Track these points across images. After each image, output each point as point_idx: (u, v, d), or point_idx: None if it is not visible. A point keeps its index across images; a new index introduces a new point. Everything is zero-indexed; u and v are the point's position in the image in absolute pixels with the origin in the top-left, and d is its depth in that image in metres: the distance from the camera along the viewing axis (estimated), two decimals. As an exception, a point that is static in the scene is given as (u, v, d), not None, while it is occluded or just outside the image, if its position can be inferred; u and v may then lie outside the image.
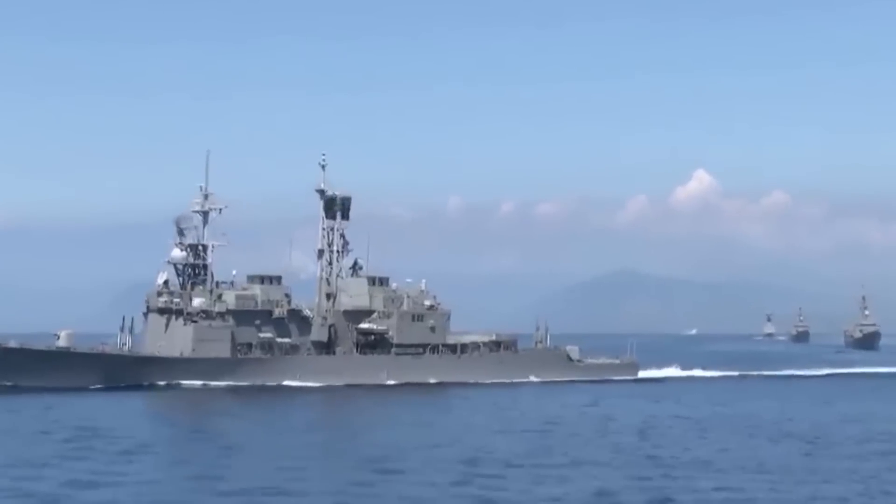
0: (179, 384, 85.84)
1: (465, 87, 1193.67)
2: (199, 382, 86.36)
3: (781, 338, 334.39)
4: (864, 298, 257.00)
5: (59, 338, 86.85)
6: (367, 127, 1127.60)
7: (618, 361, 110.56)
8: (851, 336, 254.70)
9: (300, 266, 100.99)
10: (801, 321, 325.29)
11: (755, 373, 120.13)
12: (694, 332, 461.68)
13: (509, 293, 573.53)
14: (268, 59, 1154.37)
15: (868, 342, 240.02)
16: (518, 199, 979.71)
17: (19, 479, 40.04)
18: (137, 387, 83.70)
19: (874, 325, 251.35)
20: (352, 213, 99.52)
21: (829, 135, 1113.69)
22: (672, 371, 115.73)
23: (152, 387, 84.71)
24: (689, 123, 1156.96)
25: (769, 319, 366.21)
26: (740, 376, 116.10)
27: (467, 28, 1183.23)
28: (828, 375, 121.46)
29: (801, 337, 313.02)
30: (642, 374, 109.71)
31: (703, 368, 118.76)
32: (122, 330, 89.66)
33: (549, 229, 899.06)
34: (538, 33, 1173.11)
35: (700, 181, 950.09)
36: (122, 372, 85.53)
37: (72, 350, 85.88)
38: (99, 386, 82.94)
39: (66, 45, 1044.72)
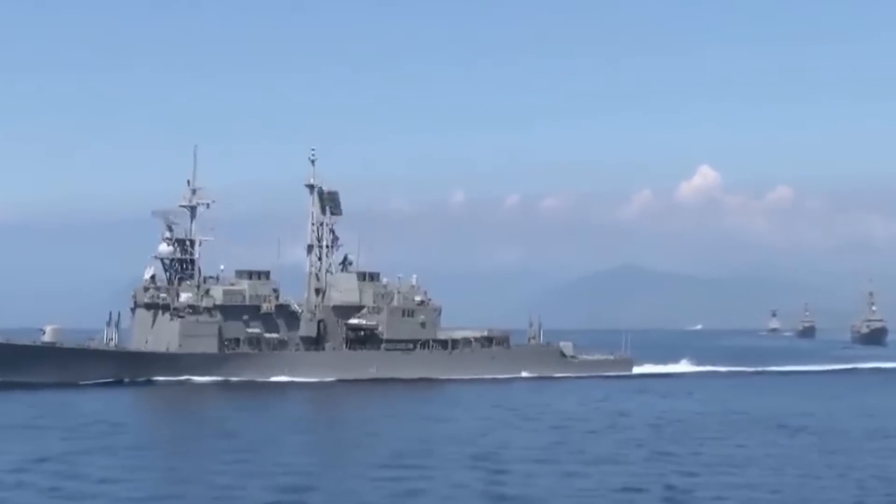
0: (167, 380, 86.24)
1: (469, 80, 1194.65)
2: (185, 378, 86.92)
3: (787, 333, 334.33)
4: (871, 294, 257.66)
5: (44, 333, 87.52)
6: (370, 121, 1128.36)
7: (612, 357, 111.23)
8: (858, 331, 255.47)
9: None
10: (807, 316, 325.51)
11: (764, 368, 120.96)
12: (699, 327, 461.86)
13: (512, 288, 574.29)
14: (268, 52, 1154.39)
15: (875, 338, 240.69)
16: (522, 193, 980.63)
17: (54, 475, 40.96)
18: (125, 382, 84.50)
19: (881, 320, 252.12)
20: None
21: (833, 129, 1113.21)
22: (669, 367, 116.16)
23: (139, 382, 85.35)
24: (693, 119, 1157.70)
25: (774, 315, 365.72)
26: (755, 372, 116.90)
27: (472, 21, 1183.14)
28: (836, 371, 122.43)
29: (807, 332, 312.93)
30: (637, 370, 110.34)
31: (713, 364, 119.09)
32: (108, 325, 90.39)
33: (553, 224, 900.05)
34: (543, 27, 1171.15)
35: (704, 176, 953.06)
36: (109, 367, 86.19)
37: (57, 345, 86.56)
38: (84, 382, 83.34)
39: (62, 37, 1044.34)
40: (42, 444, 49.21)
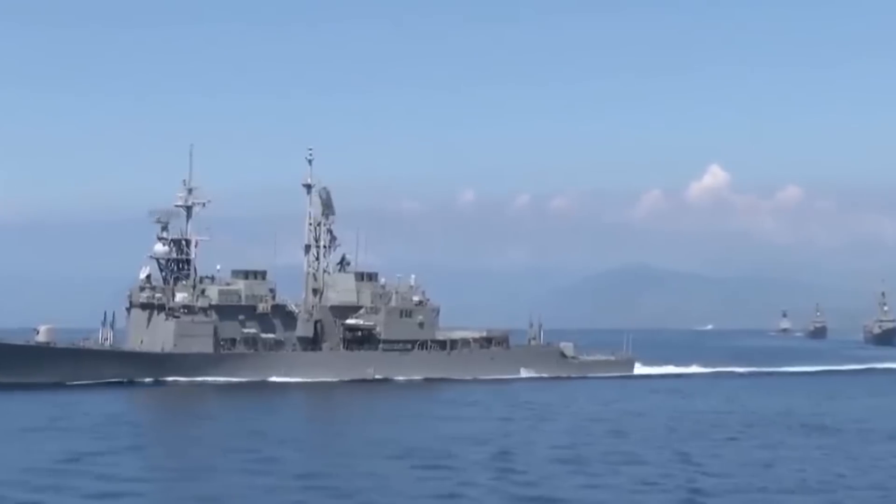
0: (162, 380, 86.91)
1: (478, 80, 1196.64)
2: (181, 378, 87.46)
3: (798, 333, 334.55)
4: (883, 294, 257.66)
5: (38, 333, 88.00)
6: (378, 121, 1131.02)
7: (613, 358, 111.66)
8: (871, 332, 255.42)
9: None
10: (818, 316, 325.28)
11: (776, 369, 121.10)
12: (710, 327, 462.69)
13: (521, 287, 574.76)
14: (274, 50, 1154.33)
15: (888, 338, 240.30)
16: (531, 192, 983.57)
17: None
18: (121, 383, 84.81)
19: (893, 320, 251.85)
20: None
21: (842, 128, 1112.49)
22: (671, 368, 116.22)
23: (135, 383, 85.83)
24: (703, 119, 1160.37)
25: (785, 315, 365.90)
26: (766, 373, 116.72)
27: (480, 21, 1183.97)
28: (850, 371, 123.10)
29: (819, 333, 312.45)
30: (639, 370, 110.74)
31: (721, 365, 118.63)
32: (103, 325, 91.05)
33: (562, 223, 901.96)
34: (552, 27, 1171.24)
35: (714, 176, 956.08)
36: (104, 368, 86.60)
37: (51, 345, 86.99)
38: (78, 382, 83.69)
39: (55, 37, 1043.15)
40: (70, 444, 49.93)
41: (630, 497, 38.13)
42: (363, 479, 41.18)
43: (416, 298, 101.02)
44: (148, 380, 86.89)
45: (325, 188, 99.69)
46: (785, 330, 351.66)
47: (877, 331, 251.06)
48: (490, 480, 40.99)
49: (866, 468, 44.89)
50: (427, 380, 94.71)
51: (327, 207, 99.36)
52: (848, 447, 51.68)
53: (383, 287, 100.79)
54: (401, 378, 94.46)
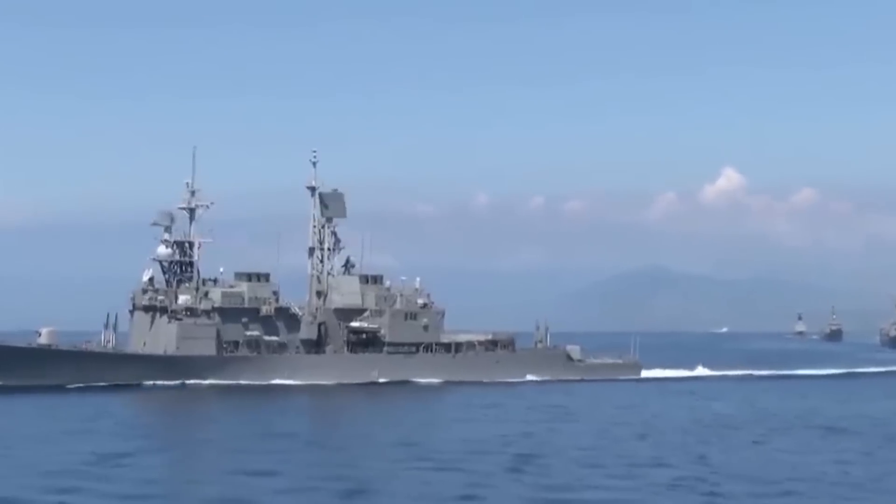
0: (164, 383, 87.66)
1: (486, 81, 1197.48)
2: (184, 381, 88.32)
3: (814, 336, 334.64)
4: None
5: (40, 335, 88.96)
6: (384, 123, 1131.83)
7: (620, 361, 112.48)
8: (887, 335, 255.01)
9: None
10: (833, 319, 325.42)
11: (788, 372, 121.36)
12: (725, 330, 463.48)
13: (536, 290, 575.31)
14: (276, 51, 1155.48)
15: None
16: (545, 194, 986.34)
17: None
18: (120, 386, 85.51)
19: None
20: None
21: (858, 130, 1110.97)
22: (678, 372, 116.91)
23: (135, 386, 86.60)
24: (717, 121, 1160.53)
25: (800, 318, 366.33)
26: (774, 376, 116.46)
27: (492, 23, 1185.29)
28: (868, 374, 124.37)
29: (834, 335, 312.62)
30: (645, 373, 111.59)
31: (730, 369, 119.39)
32: (105, 327, 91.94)
33: (577, 225, 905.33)
34: (565, 27, 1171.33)
35: (729, 179, 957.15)
36: (105, 370, 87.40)
37: (52, 347, 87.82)
38: (78, 385, 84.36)
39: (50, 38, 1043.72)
40: (80, 446, 50.93)
41: (656, 499, 38.74)
42: (380, 481, 41.90)
43: (420, 301, 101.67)
44: (151, 382, 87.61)
45: (336, 190, 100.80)
46: (800, 333, 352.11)
47: (893, 333, 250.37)
48: (511, 482, 41.57)
49: (890, 471, 45.39)
50: (432, 383, 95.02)
51: (338, 211, 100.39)
52: (869, 450, 52.26)
53: (388, 289, 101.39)
54: (405, 381, 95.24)
